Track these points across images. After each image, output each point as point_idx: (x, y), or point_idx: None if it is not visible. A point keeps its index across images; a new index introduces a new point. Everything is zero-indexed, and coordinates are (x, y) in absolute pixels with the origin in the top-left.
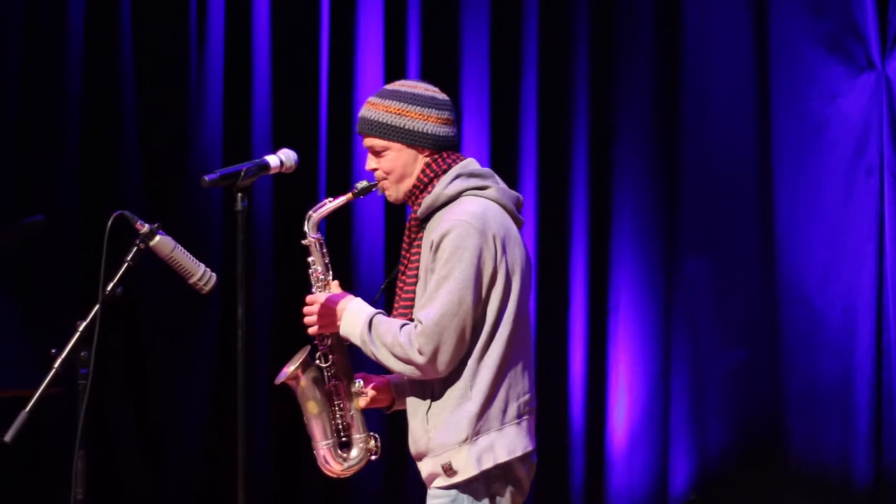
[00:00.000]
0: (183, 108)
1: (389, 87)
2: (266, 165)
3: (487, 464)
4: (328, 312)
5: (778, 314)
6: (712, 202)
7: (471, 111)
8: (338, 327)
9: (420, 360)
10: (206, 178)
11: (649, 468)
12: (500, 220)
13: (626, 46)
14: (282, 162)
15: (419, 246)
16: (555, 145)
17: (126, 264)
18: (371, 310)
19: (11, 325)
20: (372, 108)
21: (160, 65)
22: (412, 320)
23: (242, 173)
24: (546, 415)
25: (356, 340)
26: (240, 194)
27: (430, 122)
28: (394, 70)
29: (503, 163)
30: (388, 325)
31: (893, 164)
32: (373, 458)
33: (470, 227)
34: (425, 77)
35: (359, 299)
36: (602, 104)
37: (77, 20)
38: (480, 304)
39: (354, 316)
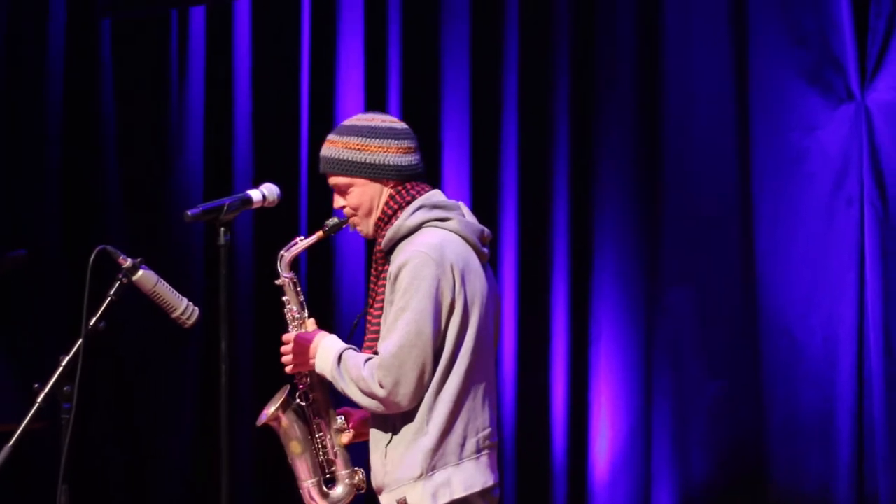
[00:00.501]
0: (163, 143)
1: (346, 122)
2: (249, 200)
3: (443, 499)
4: (302, 350)
5: (759, 345)
6: (693, 234)
7: (451, 144)
8: (312, 365)
9: (381, 393)
10: (189, 212)
11: (631, 499)
12: (459, 252)
13: (606, 78)
14: (264, 196)
15: (385, 278)
16: (535, 176)
17: (109, 299)
18: (341, 345)
19: None
20: (331, 147)
21: (140, 100)
22: (377, 353)
23: (225, 208)
24: (528, 447)
25: (327, 375)
26: (223, 228)
27: (390, 154)
28: (374, 102)
29: (484, 194)
30: (354, 360)
31: (873, 194)
32: (359, 492)
33: (427, 257)
34: (406, 109)
35: (332, 336)
36: (583, 136)
37: (57, 54)
38: (440, 335)
39: (326, 352)
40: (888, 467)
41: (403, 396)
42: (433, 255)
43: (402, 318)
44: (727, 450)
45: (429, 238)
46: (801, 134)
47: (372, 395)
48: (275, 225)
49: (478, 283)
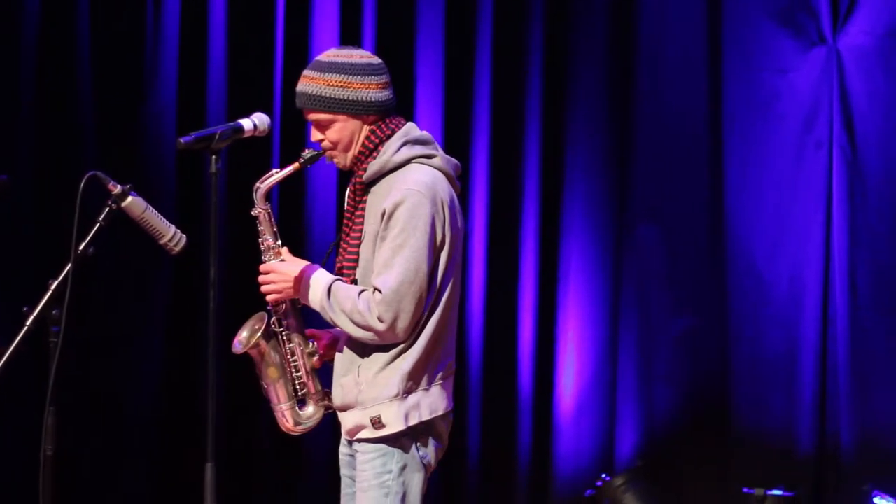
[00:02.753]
0: (139, 72)
1: (324, 59)
2: (240, 128)
3: (413, 421)
4: (285, 280)
5: (726, 283)
6: (663, 171)
7: (425, 78)
8: (295, 294)
9: (380, 327)
10: (182, 140)
11: (596, 433)
12: (447, 190)
13: (580, 13)
14: (255, 125)
15: (363, 209)
16: (507, 110)
17: (98, 224)
18: (329, 277)
19: None
20: (312, 84)
21: (116, 30)
22: (355, 282)
23: (217, 136)
24: (495, 380)
25: (315, 306)
26: (213, 157)
27: (371, 90)
28: (349, 34)
29: (456, 127)
30: (346, 292)
31: (842, 137)
32: (328, 412)
33: (423, 196)
34: (380, 40)
35: (317, 266)
36: (555, 70)
37: None
38: (433, 270)
39: (314, 283)
40: (850, 406)
41: (402, 330)
42: (427, 193)
43: (400, 254)
44: (692, 386)
45: (420, 176)
46: (772, 75)
47: (368, 328)
48: (247, 156)
49: (459, 218)
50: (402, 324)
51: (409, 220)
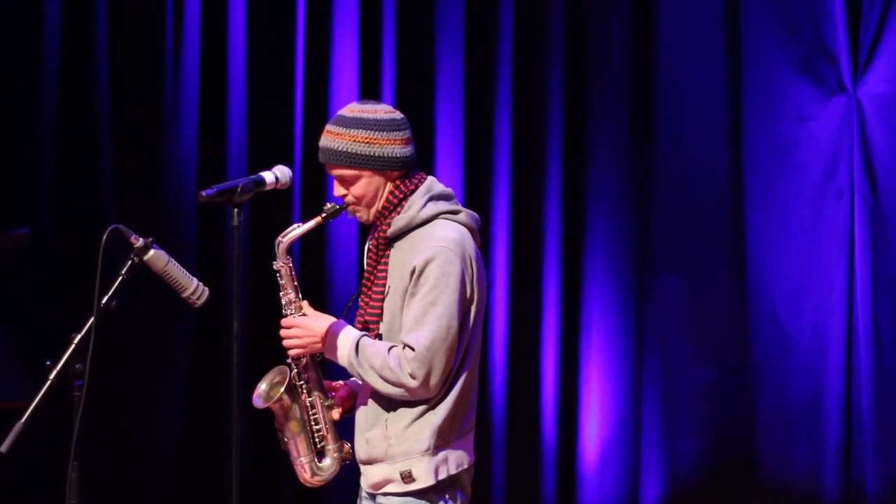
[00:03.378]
0: (158, 124)
1: (348, 114)
2: (262, 181)
3: (442, 475)
4: (310, 334)
5: (749, 333)
6: (685, 221)
7: (445, 130)
8: (320, 348)
9: (412, 384)
10: (203, 193)
11: (620, 484)
12: (473, 246)
13: (600, 65)
14: (277, 178)
15: (386, 263)
16: (528, 163)
17: (121, 278)
18: (356, 332)
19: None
20: (337, 139)
21: (135, 82)
22: (380, 336)
23: (239, 189)
24: (518, 431)
25: (342, 362)
26: (236, 210)
27: (396, 146)
28: (368, 86)
29: (477, 180)
30: (374, 349)
31: (863, 186)
32: (345, 463)
33: (453, 253)
34: (399, 92)
35: (340, 321)
36: (576, 123)
37: (53, 23)
38: (461, 326)
39: (341, 338)
40: (875, 456)
41: (433, 387)
42: (457, 250)
43: (432, 311)
44: (716, 437)
45: (448, 232)
46: (793, 125)
47: (399, 385)
48: (267, 211)
49: (483, 273)
50: (434, 380)
51: (440, 277)
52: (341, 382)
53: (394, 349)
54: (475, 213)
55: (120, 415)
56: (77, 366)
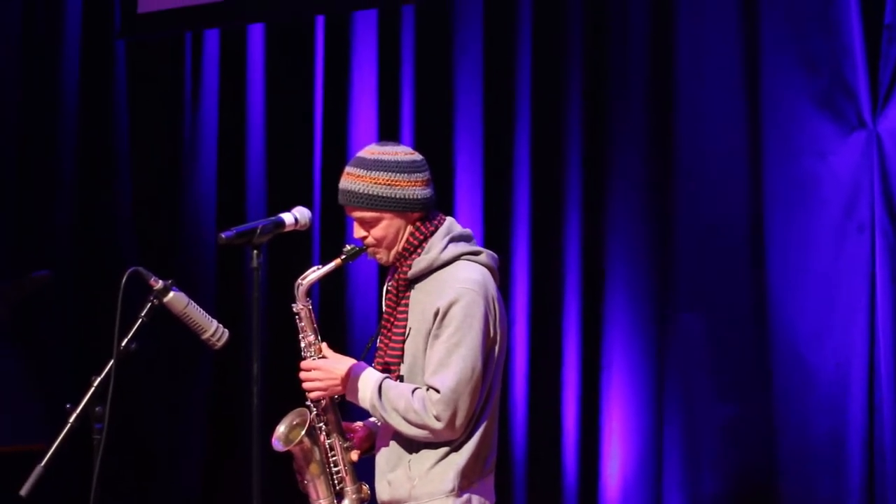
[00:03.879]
0: (176, 165)
1: (368, 156)
2: (281, 223)
3: None
4: (330, 377)
5: (770, 369)
6: (705, 257)
7: (464, 167)
8: (340, 391)
9: (437, 425)
10: (223, 235)
11: None
12: (494, 286)
13: (618, 100)
14: (296, 219)
15: (406, 304)
16: (547, 198)
17: (140, 320)
18: (378, 375)
19: (21, 378)
20: (357, 181)
21: (154, 123)
22: (402, 377)
23: (258, 231)
24: (540, 468)
25: (365, 404)
26: (255, 251)
27: (417, 188)
28: (387, 127)
29: (496, 216)
30: (398, 391)
31: (884, 221)
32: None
33: (476, 295)
34: (419, 132)
35: (361, 363)
36: (595, 159)
37: (72, 74)
38: (484, 367)
39: (363, 381)
40: None
41: (459, 428)
42: (481, 291)
43: (456, 353)
44: (738, 474)
45: (471, 273)
46: (813, 160)
47: (423, 427)
48: (287, 250)
49: (505, 313)
50: (460, 422)
51: (464, 318)
52: (360, 424)
53: (418, 391)
54: (494, 254)
55: (140, 458)
56: (97, 409)
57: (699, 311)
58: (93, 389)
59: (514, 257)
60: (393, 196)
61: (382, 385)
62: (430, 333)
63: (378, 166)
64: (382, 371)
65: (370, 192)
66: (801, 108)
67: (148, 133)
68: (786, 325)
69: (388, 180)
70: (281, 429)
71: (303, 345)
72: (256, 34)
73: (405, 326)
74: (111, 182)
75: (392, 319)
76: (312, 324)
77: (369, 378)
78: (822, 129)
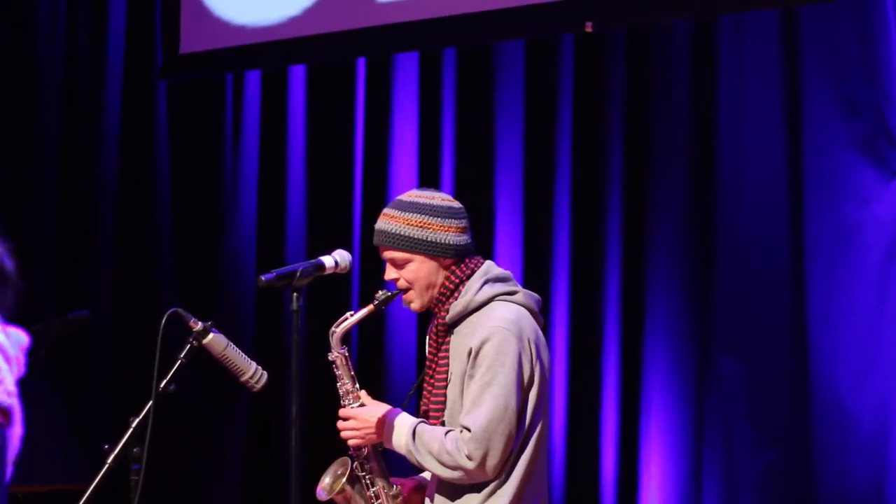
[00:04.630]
0: (217, 206)
1: (406, 198)
2: (321, 266)
3: None
4: (367, 425)
5: (810, 416)
6: (745, 302)
7: (504, 210)
8: (378, 438)
9: (469, 465)
10: (263, 277)
11: None
12: (532, 326)
13: (659, 144)
14: (337, 262)
15: (447, 350)
16: (588, 243)
17: (179, 361)
18: (412, 419)
19: (59, 418)
20: (392, 221)
21: (195, 163)
22: (443, 424)
23: (298, 273)
24: None
25: (401, 450)
26: (295, 294)
27: (450, 233)
28: (427, 171)
29: (536, 259)
30: (432, 434)
31: None
32: None
33: (509, 333)
34: (459, 176)
35: (398, 409)
36: (635, 203)
37: (113, 115)
38: (522, 407)
39: (397, 426)
40: None
41: (491, 468)
42: (514, 330)
43: (488, 392)
44: None
45: (505, 313)
46: (855, 206)
47: (457, 468)
48: (326, 292)
49: (545, 353)
50: (492, 461)
51: (496, 357)
52: (411, 478)
53: (451, 433)
54: (535, 294)
55: (177, 499)
56: (135, 449)
57: (739, 355)
58: (131, 430)
59: (554, 301)
60: (424, 238)
61: (417, 429)
62: (465, 375)
63: (413, 208)
64: (424, 418)
65: (402, 233)
66: (843, 155)
67: (188, 174)
68: (826, 370)
69: (420, 222)
70: (326, 479)
71: (341, 393)
72: (298, 75)
73: (447, 372)
74: (151, 223)
75: (434, 366)
76: (350, 371)
77: (404, 423)
78: (864, 176)
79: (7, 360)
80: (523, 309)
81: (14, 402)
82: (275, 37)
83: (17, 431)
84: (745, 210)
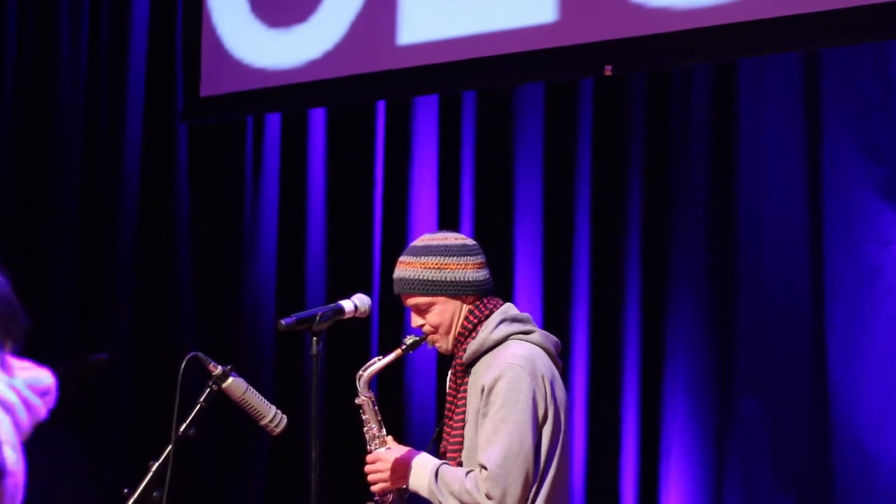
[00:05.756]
0: (237, 248)
1: (419, 244)
2: (341, 310)
3: None
4: (397, 469)
5: (831, 458)
6: (766, 344)
7: (524, 254)
8: (404, 482)
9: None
10: (283, 321)
11: None
12: (547, 364)
13: (679, 184)
14: (356, 307)
15: (465, 391)
16: (607, 283)
17: (199, 405)
18: (435, 461)
19: (78, 462)
20: (408, 268)
21: (215, 204)
22: (461, 464)
23: (318, 317)
24: None
25: (423, 492)
26: (315, 338)
27: (469, 270)
28: (447, 213)
29: (555, 303)
30: (453, 474)
31: None
32: None
33: (522, 370)
34: (479, 219)
35: (423, 452)
36: (655, 243)
37: (133, 157)
38: (537, 444)
39: (420, 468)
40: None
41: None
42: (527, 367)
43: (502, 428)
44: None
45: (519, 350)
46: (876, 248)
47: None
48: (345, 336)
49: (562, 393)
50: (511, 499)
51: (509, 393)
52: None
53: (471, 473)
54: (553, 337)
55: None
56: (154, 493)
57: (759, 398)
58: (151, 474)
59: (574, 341)
60: (444, 279)
61: (439, 470)
62: (478, 412)
63: (428, 251)
64: (443, 459)
65: (421, 278)
66: (864, 196)
67: (208, 216)
68: (847, 412)
69: (437, 264)
70: None
71: (367, 437)
72: (318, 118)
73: (465, 412)
74: (171, 265)
75: (453, 408)
76: (376, 416)
77: (427, 464)
78: (886, 217)
79: (6, 409)
80: (538, 348)
81: (8, 452)
82: (295, 80)
83: (17, 480)
84: (765, 251)
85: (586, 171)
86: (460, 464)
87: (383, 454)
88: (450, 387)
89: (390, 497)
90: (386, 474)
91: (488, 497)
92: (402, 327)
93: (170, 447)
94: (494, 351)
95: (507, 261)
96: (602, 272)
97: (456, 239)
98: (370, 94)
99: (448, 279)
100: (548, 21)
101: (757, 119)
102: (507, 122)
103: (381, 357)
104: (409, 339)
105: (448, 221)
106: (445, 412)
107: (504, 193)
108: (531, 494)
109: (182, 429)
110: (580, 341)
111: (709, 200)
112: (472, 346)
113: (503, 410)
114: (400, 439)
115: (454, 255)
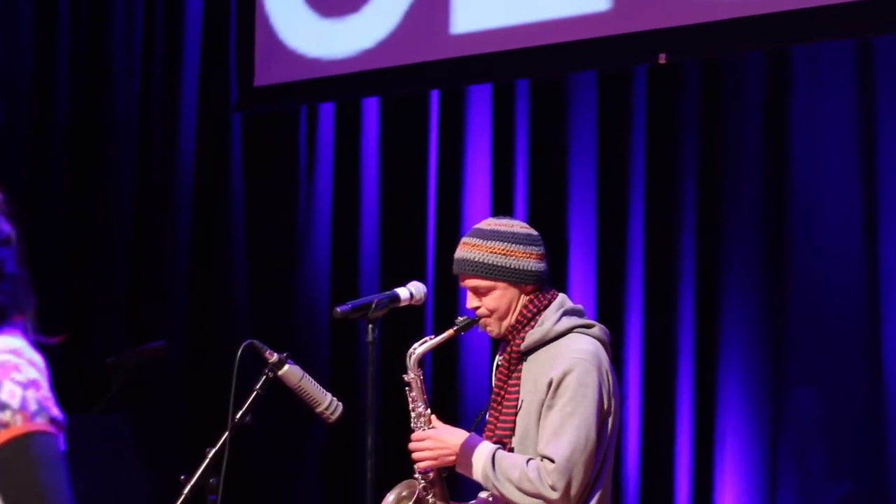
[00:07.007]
0: (291, 239)
1: (485, 227)
2: (396, 297)
3: None
4: (443, 447)
5: (886, 448)
6: (820, 334)
7: (577, 244)
8: (452, 461)
9: (553, 495)
10: (338, 309)
11: None
12: (608, 359)
13: (733, 174)
14: (412, 294)
15: (518, 377)
16: (661, 275)
17: (255, 392)
18: (491, 446)
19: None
20: (474, 250)
21: (269, 195)
22: (513, 450)
23: (374, 305)
24: None
25: (477, 476)
26: (370, 326)
27: (532, 260)
28: (500, 201)
29: (609, 293)
30: (512, 461)
31: None
32: None
33: (590, 365)
34: (532, 207)
35: (474, 435)
36: (709, 234)
37: (187, 148)
38: (598, 438)
39: (477, 452)
40: None
41: (573, 498)
42: (594, 362)
43: (570, 422)
44: None
45: (585, 345)
46: None
47: (539, 496)
48: (399, 323)
49: (618, 387)
50: (574, 492)
51: (578, 388)
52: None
53: (532, 461)
54: (606, 328)
55: None
56: (211, 480)
57: (813, 388)
58: (207, 461)
59: (628, 333)
60: (508, 266)
61: (496, 455)
62: (542, 404)
63: (494, 236)
64: (496, 444)
65: (485, 261)
66: None
67: (263, 206)
68: None
69: (503, 250)
70: (390, 498)
71: (413, 415)
72: (371, 107)
73: (517, 399)
74: (226, 255)
75: (503, 393)
76: (423, 394)
77: (483, 449)
78: None
79: (39, 370)
80: (599, 342)
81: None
82: (349, 69)
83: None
84: (819, 243)
85: (640, 160)
86: (512, 450)
87: (432, 434)
88: (501, 371)
89: (432, 475)
90: (434, 452)
91: (553, 489)
92: (456, 314)
93: (226, 434)
94: (556, 343)
95: (560, 251)
96: (656, 262)
97: (522, 227)
98: (423, 83)
99: (512, 266)
100: (601, 9)
101: (810, 108)
102: (560, 112)
103: (432, 336)
104: (461, 320)
105: (501, 211)
106: (493, 397)
107: (557, 183)
108: (590, 485)
109: (238, 416)
110: (634, 332)
111: (762, 191)
112: (534, 334)
113: (571, 404)
114: (451, 420)
115: (520, 244)
